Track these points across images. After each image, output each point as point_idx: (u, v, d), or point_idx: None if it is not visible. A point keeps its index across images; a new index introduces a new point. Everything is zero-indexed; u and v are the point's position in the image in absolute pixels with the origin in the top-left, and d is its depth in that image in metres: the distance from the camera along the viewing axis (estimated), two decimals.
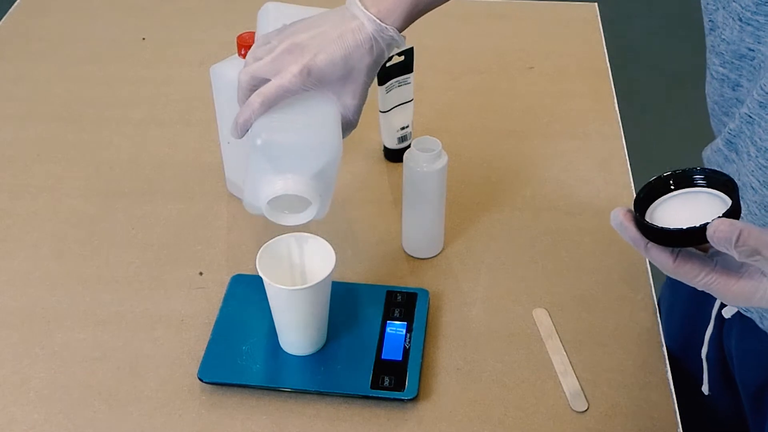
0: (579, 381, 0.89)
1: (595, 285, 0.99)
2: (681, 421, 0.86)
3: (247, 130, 0.79)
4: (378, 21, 0.79)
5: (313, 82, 0.78)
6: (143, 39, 1.40)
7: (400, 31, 0.81)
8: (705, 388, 0.94)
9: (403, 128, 1.13)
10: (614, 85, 1.30)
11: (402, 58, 1.08)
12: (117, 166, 1.15)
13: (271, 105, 0.78)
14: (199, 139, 1.20)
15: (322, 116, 0.80)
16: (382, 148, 1.16)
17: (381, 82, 1.07)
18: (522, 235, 1.05)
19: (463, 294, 0.98)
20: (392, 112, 1.11)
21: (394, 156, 1.15)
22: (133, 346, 0.92)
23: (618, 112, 1.25)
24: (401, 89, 1.09)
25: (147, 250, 1.03)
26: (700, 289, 0.62)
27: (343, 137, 0.82)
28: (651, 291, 0.98)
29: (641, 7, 3.16)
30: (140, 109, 1.26)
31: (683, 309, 0.99)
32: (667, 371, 0.90)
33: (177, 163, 1.16)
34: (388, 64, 1.07)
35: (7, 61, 1.36)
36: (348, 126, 0.83)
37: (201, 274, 1.00)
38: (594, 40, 1.40)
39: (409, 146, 0.96)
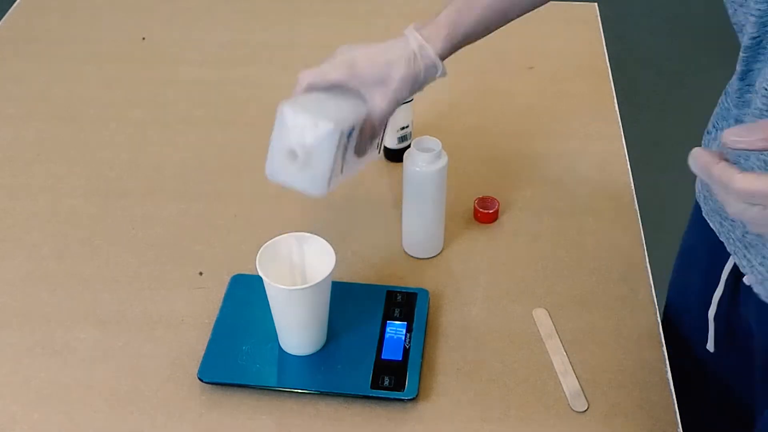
0: (579, 381, 0.89)
1: (595, 285, 0.99)
2: (679, 379, 0.87)
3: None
4: (420, 39, 0.88)
5: (352, 75, 0.86)
6: (143, 39, 1.40)
7: (439, 52, 0.88)
8: (710, 346, 0.95)
9: (403, 128, 1.13)
10: (614, 85, 1.30)
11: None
12: (117, 166, 1.15)
13: (311, 82, 0.86)
14: (199, 139, 1.20)
15: (346, 106, 0.86)
16: (383, 148, 1.16)
17: None
18: (522, 235, 1.05)
19: (463, 294, 0.98)
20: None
21: (394, 156, 1.15)
22: (133, 346, 0.92)
23: (618, 112, 1.25)
24: None
25: (147, 250, 1.03)
26: None
27: (366, 162, 0.90)
28: (651, 291, 0.98)
29: (641, 7, 3.16)
30: (140, 109, 1.26)
31: (699, 273, 0.99)
32: (667, 371, 0.90)
33: (177, 163, 1.16)
34: None
35: (7, 61, 1.36)
36: (371, 132, 0.88)
37: (201, 274, 1.00)
38: (594, 40, 1.40)
39: (409, 146, 0.96)
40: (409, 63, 0.87)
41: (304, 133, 0.82)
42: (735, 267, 0.88)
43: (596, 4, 1.50)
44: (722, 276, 0.90)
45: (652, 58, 2.93)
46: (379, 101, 0.87)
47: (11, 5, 1.48)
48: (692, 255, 1.00)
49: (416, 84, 0.88)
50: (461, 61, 1.36)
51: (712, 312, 0.92)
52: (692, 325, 0.99)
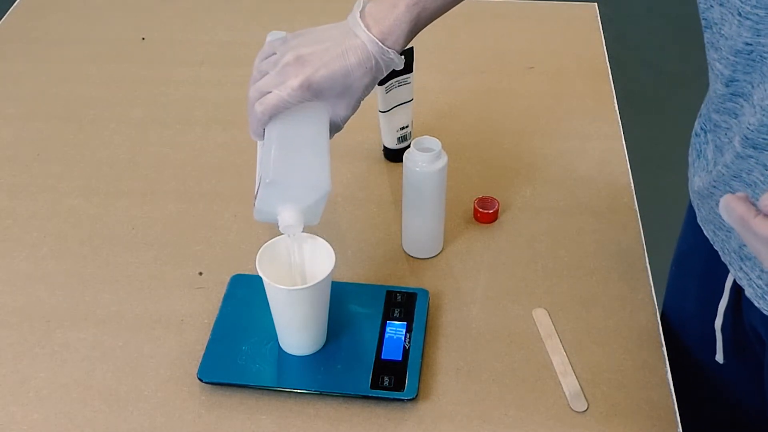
0: (579, 381, 0.89)
1: (595, 285, 0.99)
2: (682, 392, 0.87)
3: (261, 136, 0.86)
4: (379, 42, 0.82)
5: (311, 95, 0.82)
6: (143, 39, 1.40)
7: (401, 47, 0.84)
8: (719, 357, 0.94)
9: (403, 128, 1.13)
10: (614, 85, 1.30)
11: (402, 58, 1.08)
12: (117, 166, 1.15)
13: (273, 114, 0.83)
14: (199, 139, 1.20)
15: (319, 162, 0.85)
16: (382, 148, 1.16)
17: (381, 82, 1.07)
18: (522, 235, 1.05)
19: (463, 294, 0.98)
20: (392, 112, 1.11)
21: (394, 156, 1.15)
22: (133, 346, 0.92)
23: (618, 112, 1.25)
24: (401, 89, 1.09)
25: (147, 250, 1.03)
26: None
27: (330, 138, 0.87)
28: (651, 291, 0.98)
29: (641, 7, 3.16)
30: (140, 109, 1.26)
31: (696, 279, 0.98)
32: (667, 371, 0.90)
33: (177, 163, 1.16)
34: None
35: (7, 61, 1.36)
36: (335, 129, 0.87)
37: (201, 274, 1.00)
38: (594, 40, 1.40)
39: (408, 146, 0.96)
40: (369, 70, 0.83)
41: (298, 205, 0.84)
42: None
43: (596, 4, 1.50)
44: (726, 284, 0.88)
45: (652, 58, 2.93)
46: (343, 111, 0.85)
47: (11, 5, 1.48)
48: (688, 261, 0.99)
49: (377, 82, 0.86)
50: (461, 61, 1.36)
51: (718, 322, 0.91)
52: (691, 335, 0.98)
